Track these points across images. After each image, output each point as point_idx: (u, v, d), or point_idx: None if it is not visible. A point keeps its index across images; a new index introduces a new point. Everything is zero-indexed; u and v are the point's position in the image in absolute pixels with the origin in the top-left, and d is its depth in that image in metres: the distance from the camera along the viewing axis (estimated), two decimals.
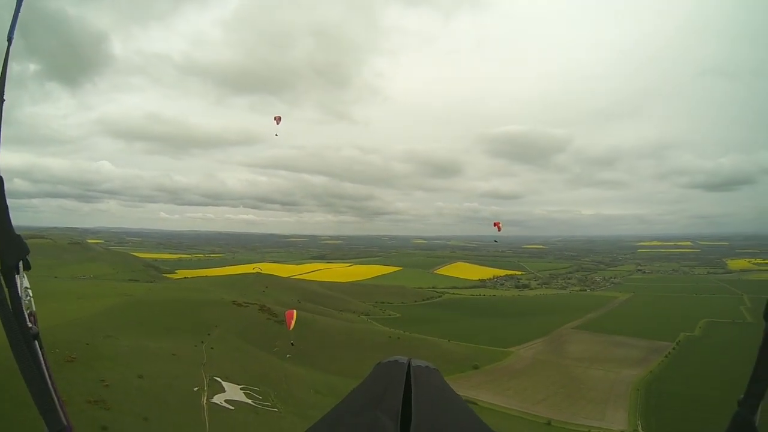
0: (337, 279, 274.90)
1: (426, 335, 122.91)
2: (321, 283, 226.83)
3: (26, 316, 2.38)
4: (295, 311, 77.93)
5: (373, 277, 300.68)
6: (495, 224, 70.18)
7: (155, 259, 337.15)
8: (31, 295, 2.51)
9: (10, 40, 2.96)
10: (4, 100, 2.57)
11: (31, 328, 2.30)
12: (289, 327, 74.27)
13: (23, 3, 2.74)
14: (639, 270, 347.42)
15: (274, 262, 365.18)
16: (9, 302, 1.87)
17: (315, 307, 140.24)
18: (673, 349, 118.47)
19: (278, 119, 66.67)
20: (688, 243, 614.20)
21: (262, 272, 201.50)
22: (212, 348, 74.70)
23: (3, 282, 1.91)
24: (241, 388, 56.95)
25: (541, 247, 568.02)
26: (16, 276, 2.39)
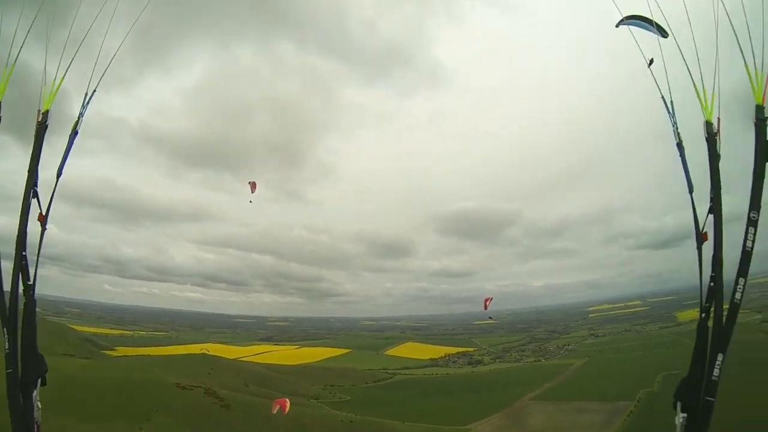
0: (284, 361, 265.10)
1: (380, 418, 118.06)
2: (269, 366, 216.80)
3: (35, 426, 3.16)
4: (287, 400, 71.90)
5: (321, 360, 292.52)
6: (485, 301, 69.79)
7: (94, 334, 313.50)
8: (40, 407, 3.42)
9: (59, 174, 5.37)
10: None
11: None
12: (285, 411, 67.52)
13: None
14: (592, 334, 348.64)
15: (220, 342, 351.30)
16: (23, 414, 3.07)
17: (262, 390, 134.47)
18: (635, 407, 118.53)
19: (253, 185, 65.27)
20: (638, 302, 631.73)
21: (209, 353, 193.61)
22: None
23: (21, 394, 3.15)
24: None
25: (492, 321, 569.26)
26: (34, 390, 3.22)
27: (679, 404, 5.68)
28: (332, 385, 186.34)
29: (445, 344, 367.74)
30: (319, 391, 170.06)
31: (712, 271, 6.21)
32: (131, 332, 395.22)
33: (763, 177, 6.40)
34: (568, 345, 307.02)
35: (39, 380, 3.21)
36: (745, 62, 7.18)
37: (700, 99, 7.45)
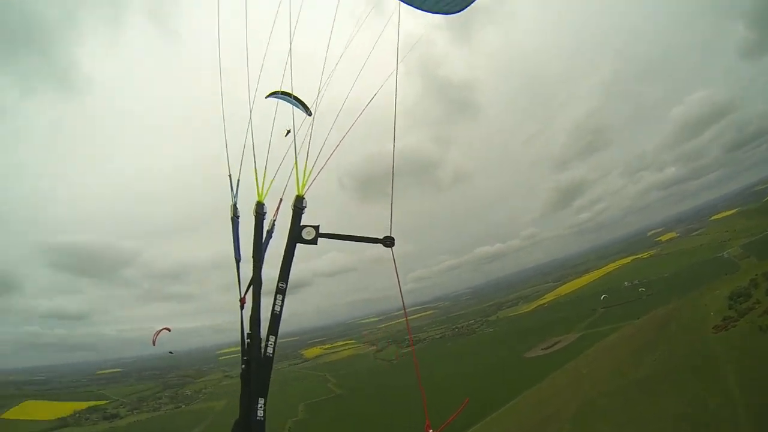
0: None
1: None
2: None
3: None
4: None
5: None
6: (155, 335, 63.41)
7: None
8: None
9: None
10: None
11: None
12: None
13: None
14: (226, 376, 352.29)
15: None
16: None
17: None
18: None
19: None
20: None
21: None
22: None
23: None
24: None
25: (117, 370, 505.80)
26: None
27: None
28: None
29: (71, 399, 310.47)
30: None
31: (250, 329, 7.00)
32: None
33: (293, 255, 7.31)
34: (205, 388, 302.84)
35: None
36: (296, 160, 8.04)
37: (257, 182, 8.22)
